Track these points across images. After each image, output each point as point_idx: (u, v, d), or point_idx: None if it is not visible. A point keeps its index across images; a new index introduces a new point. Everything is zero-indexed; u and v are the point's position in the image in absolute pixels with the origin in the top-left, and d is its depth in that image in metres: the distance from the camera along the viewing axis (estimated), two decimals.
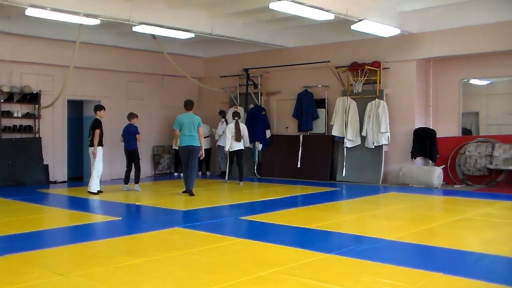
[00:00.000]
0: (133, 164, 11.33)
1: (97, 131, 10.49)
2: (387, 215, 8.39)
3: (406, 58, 12.28)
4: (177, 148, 11.15)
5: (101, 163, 10.76)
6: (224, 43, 13.90)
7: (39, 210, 8.81)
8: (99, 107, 10.95)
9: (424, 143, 11.90)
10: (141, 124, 13.84)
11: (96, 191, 10.54)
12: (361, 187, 11.84)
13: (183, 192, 10.33)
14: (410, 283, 4.48)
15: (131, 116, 11.52)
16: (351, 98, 12.82)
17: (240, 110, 14.53)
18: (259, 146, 14.11)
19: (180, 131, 10.28)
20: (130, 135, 11.30)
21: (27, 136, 12.48)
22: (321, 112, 13.58)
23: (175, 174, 14.96)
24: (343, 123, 12.88)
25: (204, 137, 13.49)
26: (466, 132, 12.64)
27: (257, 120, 13.92)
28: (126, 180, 11.33)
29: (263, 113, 14.10)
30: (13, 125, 12.29)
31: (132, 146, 11.25)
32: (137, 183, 11.27)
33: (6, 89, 12.01)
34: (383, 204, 9.81)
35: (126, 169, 11.37)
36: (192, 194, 10.14)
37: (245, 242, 6.19)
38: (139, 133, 11.40)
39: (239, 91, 14.91)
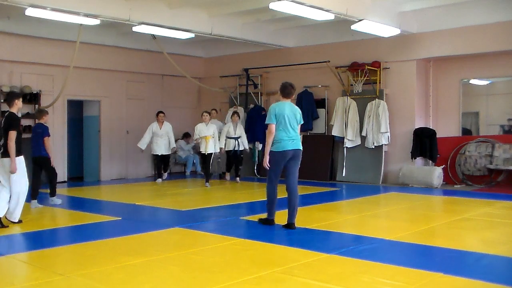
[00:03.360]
0: (44, 173, 9.11)
1: (13, 134, 7.04)
2: (387, 215, 8.40)
3: (406, 58, 12.28)
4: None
5: (26, 179, 7.39)
6: (224, 43, 13.90)
7: (39, 210, 8.80)
8: (42, 112, 9.03)
9: (424, 143, 11.90)
10: (141, 124, 13.89)
11: (17, 220, 7.30)
12: (361, 187, 11.84)
13: (284, 226, 6.95)
14: (410, 283, 4.48)
15: (40, 113, 9.24)
16: (351, 98, 12.82)
17: (240, 110, 14.54)
18: (259, 146, 14.10)
19: (276, 127, 6.87)
20: (37, 137, 8.84)
21: (27, 136, 12.45)
22: (321, 112, 13.58)
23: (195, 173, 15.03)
24: (343, 123, 12.88)
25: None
26: (466, 132, 12.63)
27: (257, 120, 13.92)
28: (34, 194, 8.80)
29: (263, 113, 14.09)
30: None
31: (40, 152, 8.84)
32: (53, 196, 9.17)
33: (6, 89, 12.00)
34: (383, 204, 9.81)
35: (32, 180, 8.54)
36: (294, 227, 6.86)
37: (245, 242, 6.19)
38: (48, 135, 8.92)
39: (239, 91, 14.91)
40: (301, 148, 6.96)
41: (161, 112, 13.16)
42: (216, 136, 12.25)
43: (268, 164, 6.84)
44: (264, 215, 7.34)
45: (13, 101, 7.23)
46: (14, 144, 6.97)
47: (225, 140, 12.77)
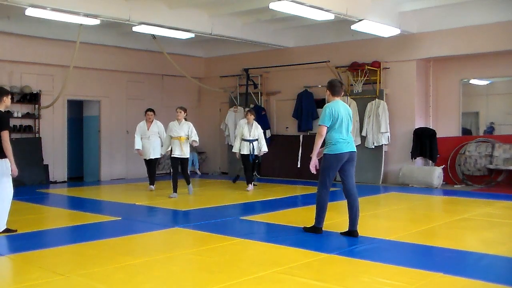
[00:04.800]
0: None
1: (5, 134, 6.57)
2: (387, 215, 8.39)
3: (406, 58, 12.28)
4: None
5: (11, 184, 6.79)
6: (224, 43, 13.90)
7: (39, 210, 8.81)
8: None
9: (424, 143, 11.90)
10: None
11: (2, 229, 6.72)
12: (361, 187, 11.77)
13: (345, 233, 6.54)
14: (410, 283, 4.48)
15: None
16: (351, 98, 12.82)
17: (240, 110, 14.55)
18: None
19: (329, 128, 6.36)
20: None
21: (27, 136, 12.48)
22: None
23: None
24: None
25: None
26: (466, 132, 12.64)
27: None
28: None
29: (263, 113, 14.10)
30: (13, 125, 12.27)
31: None
32: None
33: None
34: (383, 204, 9.81)
35: None
36: (357, 235, 6.43)
37: (245, 242, 6.19)
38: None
39: (239, 91, 14.90)
40: (356, 150, 6.52)
41: (150, 110, 11.47)
42: (194, 137, 10.20)
43: (315, 168, 6.39)
44: (263, 215, 7.33)
45: (1, 98, 6.59)
46: (9, 145, 6.52)
47: (240, 142, 11.20)
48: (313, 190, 11.11)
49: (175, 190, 10.17)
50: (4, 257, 5.52)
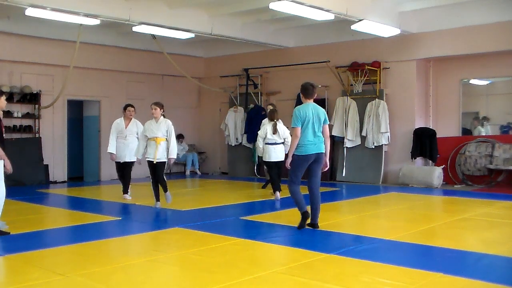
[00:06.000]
0: None
1: None
2: (387, 215, 8.39)
3: (406, 58, 12.28)
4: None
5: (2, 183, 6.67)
6: (224, 43, 13.90)
7: (39, 210, 8.81)
8: None
9: (424, 143, 11.90)
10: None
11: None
12: (361, 187, 11.83)
13: (308, 224, 6.91)
14: (410, 283, 4.47)
15: None
16: (351, 98, 12.82)
17: (240, 110, 14.55)
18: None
19: (301, 130, 6.75)
20: None
21: (27, 136, 12.48)
22: None
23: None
24: (343, 123, 12.88)
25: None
26: (466, 132, 12.63)
27: (257, 120, 13.91)
28: None
29: (263, 113, 14.09)
30: (13, 125, 12.29)
31: None
32: None
33: (6, 89, 11.99)
34: (383, 204, 9.81)
35: None
36: (317, 227, 6.89)
37: (245, 242, 6.19)
38: None
39: (239, 91, 14.90)
40: (324, 151, 6.89)
41: (131, 105, 10.03)
42: (172, 138, 8.79)
43: (290, 166, 6.90)
44: (263, 215, 7.34)
45: None
46: None
47: (263, 147, 9.77)
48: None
49: (157, 199, 8.86)
50: (4, 257, 5.52)
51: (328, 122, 7.01)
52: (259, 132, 9.90)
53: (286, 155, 8.35)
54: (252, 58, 14.61)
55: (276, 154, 9.65)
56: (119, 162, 9.77)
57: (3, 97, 6.76)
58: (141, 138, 8.99)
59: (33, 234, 6.71)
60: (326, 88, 13.46)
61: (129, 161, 9.74)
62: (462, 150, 11.93)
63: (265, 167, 10.56)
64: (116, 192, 11.15)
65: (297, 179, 6.91)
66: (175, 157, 8.94)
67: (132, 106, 10.01)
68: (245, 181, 13.01)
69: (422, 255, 5.67)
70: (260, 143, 9.79)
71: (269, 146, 9.69)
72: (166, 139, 8.76)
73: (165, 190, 8.92)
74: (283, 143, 9.68)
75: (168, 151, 8.76)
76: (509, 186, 11.27)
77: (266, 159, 9.75)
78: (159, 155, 8.65)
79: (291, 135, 7.76)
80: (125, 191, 9.88)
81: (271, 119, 9.80)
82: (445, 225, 7.28)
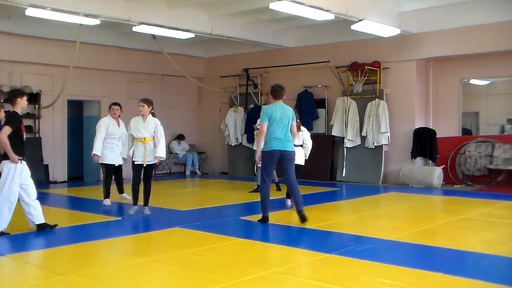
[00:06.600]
0: None
1: (6, 129, 6.47)
2: (387, 215, 8.40)
3: (406, 58, 12.28)
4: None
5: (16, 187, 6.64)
6: (224, 43, 13.90)
7: None
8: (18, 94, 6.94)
9: (424, 143, 11.90)
10: None
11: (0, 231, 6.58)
12: (361, 187, 11.84)
13: (298, 215, 7.15)
14: (410, 283, 4.48)
15: None
16: (351, 98, 12.82)
17: (240, 110, 14.55)
18: None
19: (268, 128, 7.11)
20: None
21: (27, 136, 12.38)
22: (321, 112, 13.58)
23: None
24: (343, 123, 12.88)
25: None
26: (466, 132, 12.64)
27: (257, 120, 13.92)
28: None
29: None
30: None
31: None
32: None
33: (6, 89, 12.00)
34: (383, 204, 9.81)
35: None
36: (303, 213, 7.14)
37: (245, 242, 6.19)
38: None
39: (239, 91, 14.90)
40: (290, 149, 7.21)
41: (117, 103, 9.48)
42: (161, 139, 8.04)
43: (259, 161, 7.28)
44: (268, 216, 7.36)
45: (15, 100, 6.72)
46: (7, 140, 6.38)
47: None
48: (312, 190, 11.16)
49: (135, 203, 8.14)
50: (4, 257, 5.52)
51: (295, 120, 7.41)
52: None
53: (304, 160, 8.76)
54: (252, 58, 14.61)
55: (297, 157, 8.30)
56: (113, 165, 9.05)
57: (25, 98, 6.86)
58: (127, 137, 8.22)
59: (33, 234, 6.71)
60: (326, 88, 13.46)
61: (118, 164, 9.05)
62: (462, 150, 11.93)
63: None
64: (116, 192, 11.14)
65: (268, 179, 7.29)
66: (164, 157, 8.12)
67: (118, 105, 9.45)
68: (245, 181, 13.01)
69: (422, 255, 5.67)
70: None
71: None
72: (153, 138, 8.02)
73: (147, 200, 8.13)
74: (301, 145, 8.79)
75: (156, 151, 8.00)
76: (509, 186, 11.27)
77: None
78: (149, 157, 7.92)
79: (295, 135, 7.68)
80: (121, 191, 9.65)
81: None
82: (445, 225, 7.28)
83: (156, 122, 8.09)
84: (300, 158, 8.61)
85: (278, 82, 14.14)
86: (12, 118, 6.59)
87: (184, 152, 15.28)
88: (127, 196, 9.50)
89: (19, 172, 6.65)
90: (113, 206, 9.38)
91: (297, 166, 8.37)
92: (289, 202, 8.89)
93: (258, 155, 7.26)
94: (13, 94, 6.94)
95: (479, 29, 11.28)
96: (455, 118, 12.50)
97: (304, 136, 8.83)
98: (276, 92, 7.40)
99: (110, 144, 9.08)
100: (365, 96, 12.63)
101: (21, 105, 6.77)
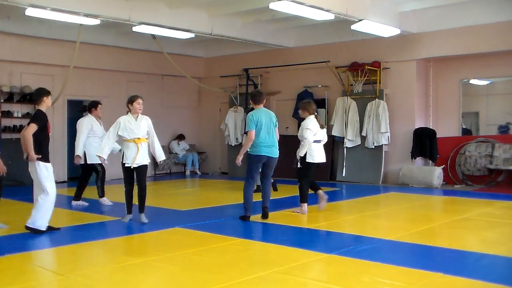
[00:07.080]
0: None
1: (31, 127, 6.57)
2: (387, 215, 8.40)
3: (406, 58, 12.28)
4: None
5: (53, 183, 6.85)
6: (224, 43, 13.90)
7: None
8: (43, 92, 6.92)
9: (424, 143, 11.90)
10: None
11: (45, 228, 6.70)
12: (361, 187, 11.83)
13: (263, 212, 7.60)
14: (410, 283, 4.48)
15: None
16: (351, 98, 12.82)
17: (240, 110, 14.54)
18: None
19: (256, 133, 7.36)
20: None
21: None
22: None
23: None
24: (343, 123, 12.88)
25: None
26: (466, 132, 12.64)
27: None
28: None
29: None
30: (13, 125, 12.28)
31: None
32: None
33: (6, 89, 12.01)
34: (383, 204, 9.81)
35: None
36: (267, 216, 7.55)
37: (245, 242, 6.19)
38: None
39: (239, 91, 14.90)
40: (276, 156, 7.66)
41: (100, 102, 9.34)
42: (155, 138, 7.55)
43: (240, 163, 7.64)
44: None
45: (41, 98, 6.73)
46: (31, 138, 6.43)
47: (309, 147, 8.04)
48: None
49: (129, 211, 7.61)
50: (4, 257, 5.52)
51: (277, 125, 7.78)
52: (307, 131, 7.95)
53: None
54: (252, 58, 14.61)
55: (322, 154, 8.09)
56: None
57: (50, 97, 6.94)
58: (111, 136, 7.47)
59: (33, 234, 6.71)
60: (326, 88, 13.47)
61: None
62: (462, 150, 11.94)
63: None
64: (116, 192, 11.14)
65: (253, 179, 7.69)
66: (164, 158, 7.72)
67: (100, 103, 9.18)
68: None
69: (422, 255, 5.68)
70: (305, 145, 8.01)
71: (316, 144, 8.01)
72: (146, 138, 7.44)
73: (143, 207, 7.53)
74: (321, 140, 8.15)
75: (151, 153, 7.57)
76: (509, 186, 11.27)
77: (309, 160, 7.95)
78: (142, 159, 7.34)
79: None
80: (78, 196, 9.40)
81: (310, 113, 8.12)
82: (445, 225, 7.28)
83: (148, 120, 7.48)
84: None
85: (278, 82, 14.34)
86: (39, 116, 6.64)
87: (184, 152, 15.29)
88: (108, 202, 9.33)
89: (51, 170, 6.83)
90: (112, 206, 9.38)
91: (320, 164, 8.17)
92: (321, 192, 8.20)
93: (239, 159, 7.64)
94: (40, 93, 6.87)
95: (479, 29, 11.28)
96: (455, 118, 12.50)
97: (323, 132, 8.19)
98: (256, 97, 7.64)
99: (96, 143, 8.68)
100: (365, 96, 12.63)
101: (47, 104, 6.82)
